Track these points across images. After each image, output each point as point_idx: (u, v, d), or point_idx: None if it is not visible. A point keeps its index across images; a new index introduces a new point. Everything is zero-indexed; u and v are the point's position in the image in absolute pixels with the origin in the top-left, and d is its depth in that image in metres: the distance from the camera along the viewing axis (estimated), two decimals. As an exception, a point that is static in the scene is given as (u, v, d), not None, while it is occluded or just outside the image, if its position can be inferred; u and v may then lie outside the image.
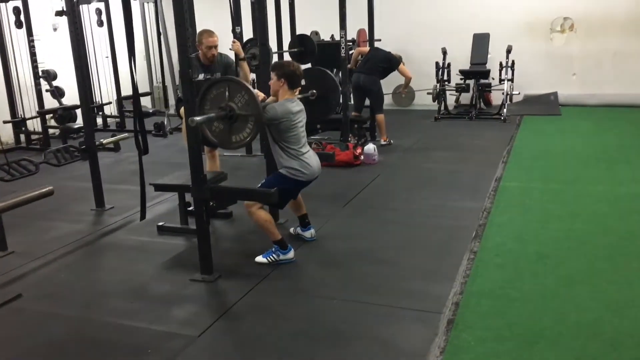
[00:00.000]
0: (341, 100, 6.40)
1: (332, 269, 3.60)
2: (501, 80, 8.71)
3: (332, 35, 9.14)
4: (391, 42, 8.39)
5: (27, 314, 3.16)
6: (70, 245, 4.13)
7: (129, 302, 3.21)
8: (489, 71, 8.79)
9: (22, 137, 7.69)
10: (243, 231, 4.29)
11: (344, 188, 5.24)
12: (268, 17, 4.21)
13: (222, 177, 4.38)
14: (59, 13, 6.70)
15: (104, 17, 8.16)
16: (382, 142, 6.93)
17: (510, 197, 4.86)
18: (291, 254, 3.65)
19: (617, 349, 2.58)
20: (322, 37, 9.08)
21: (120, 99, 8.43)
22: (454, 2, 9.67)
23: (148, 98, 10.14)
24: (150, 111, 8.53)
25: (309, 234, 4.01)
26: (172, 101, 9.75)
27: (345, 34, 6.20)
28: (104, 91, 8.69)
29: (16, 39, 7.46)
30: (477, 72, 8.83)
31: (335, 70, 8.32)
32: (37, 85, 7.51)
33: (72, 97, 6.88)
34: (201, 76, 4.34)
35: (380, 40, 7.80)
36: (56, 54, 8.29)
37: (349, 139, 6.43)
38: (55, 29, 8.67)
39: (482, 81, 8.85)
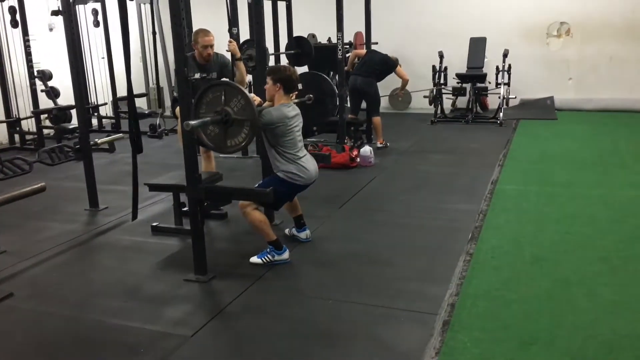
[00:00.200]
0: (337, 103, 6.41)
1: (328, 270, 3.58)
2: (497, 84, 8.72)
3: (329, 38, 9.14)
4: (388, 45, 8.38)
5: (18, 313, 3.12)
6: (63, 245, 4.09)
7: (122, 302, 3.18)
8: (485, 75, 8.81)
9: (17, 137, 7.64)
10: (238, 232, 4.26)
11: (340, 190, 5.23)
12: (265, 19, 4.20)
13: (217, 177, 4.35)
14: (54, 12, 6.68)
15: (100, 18, 8.13)
16: (379, 145, 6.92)
17: (507, 199, 4.85)
18: (286, 255, 3.62)
19: (614, 351, 2.57)
20: (319, 40, 9.08)
21: (115, 100, 8.39)
22: (451, 5, 9.69)
23: (144, 99, 10.10)
24: (146, 112, 8.48)
25: (304, 235, 3.99)
26: (167, 103, 9.73)
27: (342, 36, 6.19)
28: (100, 92, 8.65)
29: (12, 39, 7.43)
30: (473, 75, 8.84)
31: (332, 73, 8.35)
32: (32, 85, 7.47)
33: (67, 97, 6.84)
34: (197, 76, 4.31)
35: (377, 43, 7.80)
36: (52, 54, 8.26)
37: (345, 141, 6.42)
38: (51, 29, 8.64)
39: (479, 85, 8.86)
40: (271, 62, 6.84)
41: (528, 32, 9.48)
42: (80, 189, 5.05)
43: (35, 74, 7.51)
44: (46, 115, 7.65)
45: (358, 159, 6.09)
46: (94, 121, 8.53)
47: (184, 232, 4.07)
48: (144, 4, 9.69)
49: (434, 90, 8.93)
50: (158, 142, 7.82)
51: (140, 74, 10.11)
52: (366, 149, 6.19)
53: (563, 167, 5.94)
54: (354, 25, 8.52)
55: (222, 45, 4.81)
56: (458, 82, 8.92)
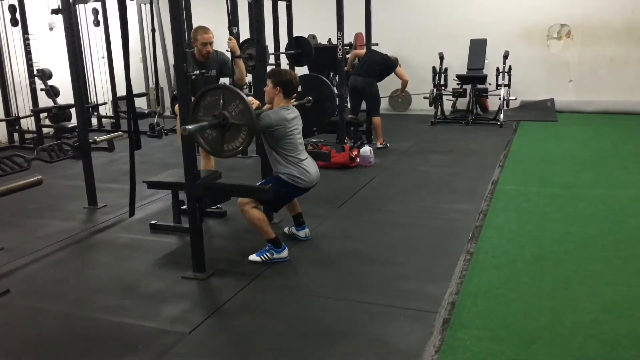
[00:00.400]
0: (337, 105, 6.39)
1: (327, 268, 3.56)
2: (498, 86, 8.71)
3: (329, 39, 9.14)
4: (388, 46, 8.36)
5: (14, 309, 3.10)
6: (61, 242, 4.07)
7: (120, 299, 3.16)
8: (485, 76, 8.80)
9: (16, 136, 7.62)
10: (237, 230, 4.24)
11: (340, 189, 5.21)
12: (265, 19, 4.19)
13: (216, 176, 4.32)
14: (54, 11, 6.67)
15: (100, 17, 8.12)
16: (379, 145, 6.90)
17: (507, 199, 4.83)
18: (285, 253, 3.60)
19: (615, 349, 2.54)
20: (319, 41, 9.07)
21: (115, 100, 8.38)
22: (451, 7, 9.68)
23: (144, 99, 10.09)
24: (146, 112, 8.47)
25: (303, 233, 3.96)
26: (167, 103, 9.72)
27: (343, 36, 6.18)
28: (100, 92, 8.64)
29: (11, 37, 7.41)
30: (474, 77, 8.83)
31: (332, 73, 8.34)
32: (32, 84, 7.44)
33: (67, 97, 6.82)
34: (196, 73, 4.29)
35: (377, 44, 7.78)
36: (52, 53, 8.25)
37: (345, 141, 6.40)
38: (51, 29, 8.63)
39: (479, 86, 8.85)
40: (271, 61, 6.83)
41: (528, 34, 9.47)
42: (79, 187, 5.03)
43: (35, 72, 7.49)
44: (46, 114, 7.63)
45: (358, 159, 6.07)
46: (94, 121, 8.52)
47: (183, 230, 4.05)
48: (144, 4, 9.69)
49: (434, 92, 8.92)
50: (158, 141, 7.81)
51: (140, 74, 10.10)
52: (366, 149, 6.18)
53: (564, 168, 5.92)
54: (354, 26, 8.50)
55: (221, 43, 4.79)
56: (458, 84, 8.91)
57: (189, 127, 3.03)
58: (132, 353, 2.61)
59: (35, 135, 7.54)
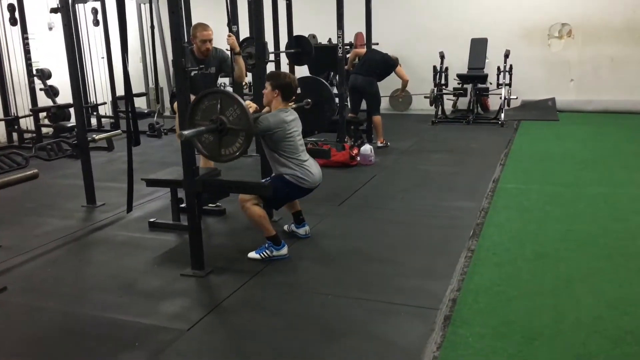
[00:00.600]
0: (337, 103, 6.36)
1: (327, 266, 3.53)
2: (499, 85, 8.69)
3: (330, 39, 9.12)
4: (389, 46, 8.34)
5: (11, 306, 3.07)
6: (59, 240, 4.04)
7: (117, 296, 3.13)
8: (486, 76, 8.77)
9: (15, 135, 7.60)
10: (236, 228, 4.21)
11: (340, 188, 5.17)
12: (265, 18, 4.17)
13: (216, 174, 4.30)
14: (54, 10, 6.65)
15: (99, 17, 8.11)
16: (379, 144, 6.87)
17: (508, 198, 4.80)
18: (285, 250, 3.57)
19: (619, 346, 2.51)
20: (319, 41, 9.05)
21: (115, 100, 8.37)
22: (452, 6, 9.66)
23: (143, 99, 10.07)
24: (145, 112, 8.46)
25: (303, 231, 3.94)
26: (167, 104, 9.70)
27: (343, 34, 6.15)
28: (99, 92, 8.62)
29: (10, 37, 7.39)
30: (474, 76, 8.81)
31: (332, 73, 8.32)
32: (31, 84, 7.43)
33: (66, 97, 6.79)
34: (195, 71, 4.27)
35: (377, 44, 7.76)
36: (51, 53, 8.23)
37: (346, 140, 6.38)
38: (50, 28, 8.62)
39: (480, 86, 8.82)
40: (271, 59, 6.80)
41: (529, 33, 9.45)
42: (78, 186, 5.01)
43: (35, 72, 7.47)
44: (45, 113, 7.61)
45: (358, 158, 6.04)
46: (93, 121, 8.51)
47: (182, 228, 4.02)
48: (143, 3, 9.67)
49: (435, 91, 8.89)
50: (157, 141, 7.81)
51: (140, 74, 10.07)
52: (366, 148, 6.15)
53: (565, 166, 5.90)
54: (354, 26, 8.49)
55: (221, 42, 4.77)
56: (459, 83, 8.88)
57: (186, 132, 3.01)
58: (129, 350, 2.58)
59: (34, 135, 7.52)
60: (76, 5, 7.93)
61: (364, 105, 7.06)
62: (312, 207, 4.33)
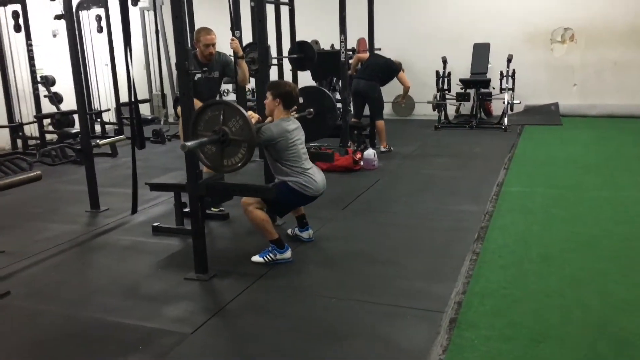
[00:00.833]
0: (340, 109, 6.37)
1: (331, 269, 3.51)
2: (502, 90, 8.67)
3: (332, 45, 9.13)
4: (391, 51, 8.35)
5: (14, 310, 3.06)
6: (62, 245, 4.04)
7: (121, 300, 3.12)
8: (489, 80, 8.76)
9: (19, 142, 7.62)
10: (239, 232, 4.20)
11: (343, 192, 5.16)
12: (268, 24, 4.18)
13: (219, 178, 4.29)
14: (58, 17, 6.66)
15: (103, 24, 8.13)
16: (382, 149, 6.86)
17: (513, 201, 4.78)
18: (288, 254, 3.56)
19: (627, 348, 2.49)
20: (322, 47, 9.06)
21: (118, 106, 8.38)
22: (454, 11, 9.67)
23: (147, 105, 10.09)
24: (149, 118, 8.48)
25: (306, 234, 3.92)
26: (171, 110, 9.73)
27: (345, 39, 6.16)
28: (103, 98, 8.64)
29: (15, 43, 7.43)
30: (477, 81, 8.79)
31: (335, 79, 8.33)
32: (35, 90, 7.45)
33: (70, 104, 6.82)
34: (199, 75, 4.27)
35: (380, 49, 7.78)
36: (56, 60, 8.26)
37: (349, 144, 6.37)
38: (55, 35, 8.65)
39: (483, 90, 8.81)
40: (274, 63, 6.80)
41: (531, 38, 9.45)
42: (81, 192, 5.01)
43: (39, 79, 7.50)
44: (49, 120, 7.63)
45: (361, 162, 6.03)
46: (97, 127, 8.52)
47: (185, 232, 4.01)
48: (147, 10, 9.72)
49: (438, 96, 8.89)
50: (161, 147, 7.81)
51: (144, 81, 10.10)
52: (369, 152, 6.15)
53: (569, 170, 5.87)
54: (356, 32, 8.51)
55: (224, 47, 4.78)
56: (462, 88, 8.88)
57: (188, 143, 3.02)
58: (133, 353, 2.56)
59: (38, 141, 7.54)
60: (80, 12, 7.97)
61: (366, 110, 7.06)
62: (315, 211, 4.31)
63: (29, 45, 7.21)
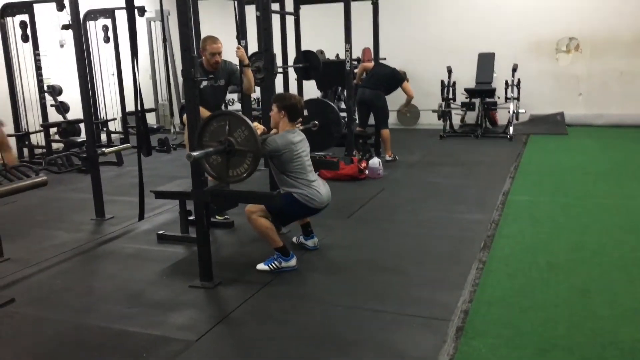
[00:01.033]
0: (345, 119, 6.37)
1: (337, 277, 3.49)
2: (507, 99, 8.66)
3: (337, 55, 9.16)
4: (396, 60, 8.36)
5: (19, 318, 3.05)
6: (67, 252, 4.04)
7: (125, 308, 3.11)
8: (494, 90, 8.75)
9: (26, 151, 7.64)
10: (244, 240, 4.18)
11: (349, 200, 5.14)
12: (273, 33, 4.19)
13: (224, 186, 4.29)
14: (65, 27, 6.71)
15: (110, 34, 8.19)
16: (387, 158, 6.85)
17: (519, 209, 4.75)
18: (293, 262, 3.54)
19: (637, 358, 2.45)
20: (327, 56, 9.09)
21: (124, 115, 8.41)
22: (459, 21, 9.69)
23: (153, 115, 10.13)
24: (155, 127, 8.50)
25: (311, 242, 3.91)
26: (177, 119, 9.76)
27: (350, 48, 6.17)
28: (109, 108, 8.68)
29: (22, 53, 7.48)
30: (482, 90, 8.78)
31: (340, 88, 8.35)
32: (42, 100, 7.49)
33: (77, 113, 6.85)
34: (204, 83, 4.28)
35: (385, 59, 7.79)
36: (62, 70, 8.31)
37: (354, 153, 6.36)
38: (62, 46, 8.72)
39: (488, 100, 8.80)
40: (279, 71, 6.82)
41: (537, 48, 9.44)
42: (87, 200, 5.02)
43: (46, 89, 7.54)
44: (55, 129, 7.66)
45: (366, 171, 6.02)
46: (103, 136, 8.55)
47: (190, 240, 4.01)
48: (154, 21, 9.79)
49: (443, 106, 8.88)
50: (166, 155, 7.81)
51: (150, 90, 10.15)
52: (375, 161, 6.14)
53: (575, 179, 5.84)
54: (361, 42, 8.53)
55: (230, 55, 4.80)
56: (467, 97, 8.87)
57: (194, 153, 3.03)
58: (137, 361, 2.55)
59: (44, 150, 7.57)
60: (87, 22, 8.03)
61: (371, 119, 7.06)
62: (320, 219, 4.29)
63: (37, 55, 7.25)
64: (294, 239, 3.99)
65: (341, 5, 6.06)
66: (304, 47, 7.18)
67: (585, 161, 6.73)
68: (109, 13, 8.05)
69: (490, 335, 2.68)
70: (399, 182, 5.96)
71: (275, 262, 3.51)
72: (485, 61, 9.15)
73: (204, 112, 3.96)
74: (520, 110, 8.56)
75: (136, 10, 6.01)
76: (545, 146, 7.78)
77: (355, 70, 7.64)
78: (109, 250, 4.12)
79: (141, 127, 3.53)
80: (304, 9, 7.19)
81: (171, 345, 2.65)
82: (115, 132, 8.76)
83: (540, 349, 2.55)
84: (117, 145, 8.24)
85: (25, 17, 7.19)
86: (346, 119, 6.23)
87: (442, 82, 8.95)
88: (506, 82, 8.73)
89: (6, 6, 7.22)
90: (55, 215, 5.08)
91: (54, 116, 7.74)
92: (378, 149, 7.05)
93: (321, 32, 9.08)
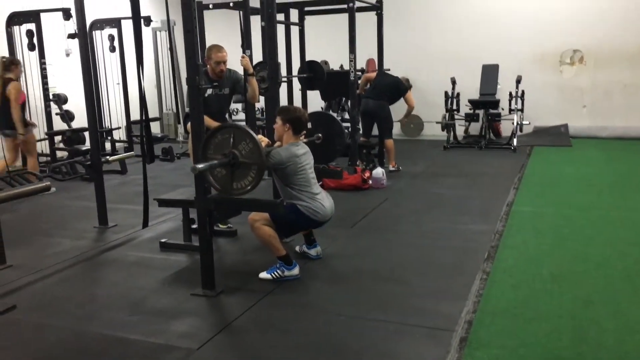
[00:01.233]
0: (350, 125, 6.38)
1: (339, 286, 3.47)
2: (511, 111, 8.66)
3: (342, 65, 9.19)
4: (400, 71, 8.34)
5: (20, 325, 3.04)
6: (70, 260, 4.03)
7: (127, 315, 3.09)
8: (498, 101, 8.76)
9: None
10: (247, 249, 4.17)
11: (352, 210, 5.14)
12: (278, 44, 4.21)
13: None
14: (71, 36, 6.76)
15: (116, 43, 8.24)
16: (391, 168, 6.84)
17: (523, 221, 4.73)
18: (296, 270, 3.52)
19: (643, 369, 2.43)
20: (331, 67, 9.12)
21: (129, 124, 8.44)
22: (463, 32, 9.72)
23: (157, 124, 10.16)
24: (159, 136, 8.53)
25: (314, 251, 3.89)
26: (181, 129, 9.78)
27: (355, 57, 6.18)
28: (114, 117, 8.71)
29: (28, 62, 7.52)
30: (486, 102, 8.79)
31: (344, 99, 8.37)
32: (47, 108, 7.52)
33: (81, 122, 6.88)
34: (209, 91, 4.29)
35: (389, 70, 7.81)
36: (68, 79, 8.36)
37: (357, 163, 6.35)
38: (68, 55, 8.78)
39: (492, 111, 8.80)
40: (283, 86, 6.85)
41: (541, 59, 9.46)
42: (90, 208, 5.02)
43: (51, 97, 7.58)
44: (60, 137, 7.69)
45: (370, 181, 6.01)
46: (108, 145, 8.57)
47: (193, 249, 3.99)
48: (159, 31, 9.85)
49: (447, 117, 8.89)
50: (170, 164, 7.84)
51: (154, 99, 10.18)
52: (378, 171, 6.13)
53: (579, 190, 5.82)
54: (366, 53, 8.56)
55: (234, 65, 4.82)
56: (471, 109, 8.88)
57: (199, 166, 3.03)
58: (138, 369, 2.53)
59: (49, 158, 7.59)
60: (93, 31, 8.08)
61: (375, 130, 7.06)
62: (323, 228, 4.23)
63: (43, 64, 7.30)
64: (297, 248, 3.98)
65: (346, 16, 6.09)
66: (308, 58, 7.21)
67: (590, 173, 6.71)
68: (115, 23, 8.12)
69: (494, 346, 2.66)
70: (402, 192, 5.95)
71: (278, 270, 3.50)
72: (489, 73, 9.17)
73: (208, 121, 3.97)
74: (524, 122, 8.55)
75: (142, 20, 6.06)
76: (549, 158, 7.76)
77: (359, 81, 7.65)
78: (111, 258, 4.11)
79: (144, 131, 3.53)
80: (309, 20, 7.22)
81: (172, 354, 2.64)
82: (119, 141, 8.79)
83: (544, 360, 2.53)
84: (121, 154, 8.28)
85: (31, 26, 7.24)
86: (350, 129, 6.23)
87: (446, 93, 8.96)
88: (510, 94, 8.73)
89: (13, 15, 7.28)
90: (58, 222, 5.08)
91: (59, 124, 7.78)
92: (382, 159, 7.05)
93: (326, 43, 9.11)
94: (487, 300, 3.17)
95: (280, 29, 5.14)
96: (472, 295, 3.23)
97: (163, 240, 4.28)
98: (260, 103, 7.50)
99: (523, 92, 8.64)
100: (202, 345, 2.71)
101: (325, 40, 9.09)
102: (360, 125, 6.98)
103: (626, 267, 3.64)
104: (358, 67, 7.39)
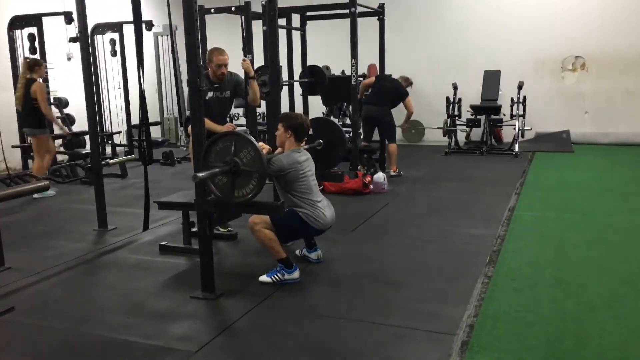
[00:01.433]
0: (351, 130, 6.37)
1: (340, 290, 3.45)
2: (512, 116, 8.65)
3: (343, 71, 9.20)
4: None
5: (17, 327, 3.02)
6: (69, 262, 4.01)
7: (126, 318, 3.07)
8: (500, 107, 8.75)
9: (30, 162, 7.65)
10: (247, 252, 4.15)
11: (353, 214, 5.12)
12: (279, 48, 4.21)
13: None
14: (73, 39, 6.77)
15: (117, 48, 8.26)
16: (392, 173, 6.82)
17: (525, 225, 4.70)
18: (296, 274, 3.50)
19: (647, 373, 2.40)
20: (333, 72, 9.12)
21: (130, 128, 8.45)
22: (465, 38, 9.73)
23: (158, 128, 10.16)
24: (160, 140, 8.52)
25: (315, 255, 3.87)
26: (181, 133, 9.79)
27: (357, 62, 6.18)
28: (115, 121, 8.71)
29: (30, 66, 7.53)
30: (488, 107, 8.78)
31: (345, 104, 8.36)
32: (48, 111, 7.51)
33: (82, 125, 6.88)
34: (210, 94, 4.28)
35: (391, 75, 7.80)
36: (69, 82, 8.37)
37: (359, 168, 6.34)
38: (69, 58, 8.79)
39: (493, 117, 8.79)
40: (285, 83, 6.83)
41: (542, 66, 9.46)
42: (90, 211, 5.01)
43: (52, 100, 7.58)
44: (60, 141, 7.68)
45: (371, 186, 5.99)
46: (108, 149, 8.57)
47: (193, 252, 3.98)
48: (161, 36, 9.87)
49: (448, 122, 8.88)
50: (170, 169, 7.83)
51: (155, 104, 10.19)
52: (379, 176, 6.11)
53: (581, 195, 5.80)
54: (367, 58, 8.56)
55: (236, 67, 4.81)
56: (472, 114, 8.87)
57: (200, 174, 3.02)
58: (136, 371, 2.50)
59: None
60: (95, 35, 8.10)
61: (376, 134, 7.04)
62: (324, 232, 4.26)
63: (44, 67, 7.29)
64: (297, 252, 3.96)
65: (347, 21, 6.09)
66: (309, 62, 7.21)
67: (591, 178, 6.69)
68: (117, 27, 8.13)
69: (496, 350, 2.63)
70: (403, 197, 5.93)
71: (278, 274, 3.47)
72: (491, 78, 9.17)
73: (210, 124, 3.96)
74: (525, 128, 8.54)
75: (143, 25, 6.07)
76: (551, 163, 7.74)
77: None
78: (110, 260, 4.09)
79: (143, 129, 3.52)
80: (311, 25, 7.23)
81: (171, 356, 2.61)
82: (120, 145, 8.79)
83: (547, 365, 2.50)
84: (121, 158, 8.27)
85: (33, 30, 7.26)
86: (351, 134, 6.22)
87: (448, 98, 8.96)
88: (512, 100, 8.73)
89: (15, 19, 7.30)
90: (58, 225, 5.06)
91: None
92: (383, 164, 7.03)
93: (327, 48, 9.12)
94: (488, 304, 3.14)
95: (282, 34, 5.14)
96: (474, 299, 3.20)
97: (163, 243, 4.25)
98: (262, 108, 7.51)
99: (525, 98, 8.63)
100: (201, 347, 2.69)
101: (327, 45, 9.09)
102: (361, 130, 6.97)
103: (629, 272, 3.62)
104: (359, 73, 7.38)
